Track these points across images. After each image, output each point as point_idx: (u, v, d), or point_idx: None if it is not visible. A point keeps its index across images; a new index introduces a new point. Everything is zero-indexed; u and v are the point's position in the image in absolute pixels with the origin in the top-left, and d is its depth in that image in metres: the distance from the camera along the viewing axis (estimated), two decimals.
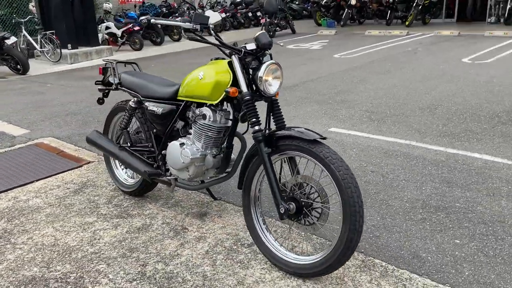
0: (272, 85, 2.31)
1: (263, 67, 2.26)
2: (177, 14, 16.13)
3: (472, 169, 3.59)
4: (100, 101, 3.36)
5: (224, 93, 2.36)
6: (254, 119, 2.28)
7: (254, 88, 2.33)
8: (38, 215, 3.07)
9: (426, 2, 15.31)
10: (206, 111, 2.53)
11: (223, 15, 15.75)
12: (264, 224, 2.47)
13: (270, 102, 2.36)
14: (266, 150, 2.23)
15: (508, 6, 14.01)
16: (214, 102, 2.44)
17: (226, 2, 19.52)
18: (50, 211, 3.13)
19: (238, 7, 17.78)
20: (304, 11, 21.88)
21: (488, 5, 15.32)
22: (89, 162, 4.02)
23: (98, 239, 2.73)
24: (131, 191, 3.28)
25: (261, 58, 2.34)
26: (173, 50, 12.70)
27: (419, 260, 2.44)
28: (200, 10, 17.01)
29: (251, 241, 2.59)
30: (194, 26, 2.31)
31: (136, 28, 12.29)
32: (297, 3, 22.69)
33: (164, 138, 2.84)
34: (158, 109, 2.80)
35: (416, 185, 3.34)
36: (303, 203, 2.20)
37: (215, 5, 19.06)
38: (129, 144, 3.07)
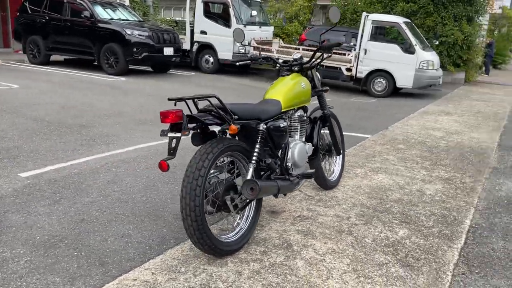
0: None
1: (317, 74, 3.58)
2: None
3: None
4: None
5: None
6: (328, 105, 3.68)
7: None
8: None
9: None
10: (301, 112, 3.29)
11: None
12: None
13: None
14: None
15: None
16: (310, 102, 3.37)
17: None
18: None
19: None
20: None
21: None
22: None
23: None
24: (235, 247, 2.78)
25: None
26: None
27: None
28: None
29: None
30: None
31: None
32: None
33: (287, 146, 3.13)
34: (286, 123, 3.09)
35: None
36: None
37: None
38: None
